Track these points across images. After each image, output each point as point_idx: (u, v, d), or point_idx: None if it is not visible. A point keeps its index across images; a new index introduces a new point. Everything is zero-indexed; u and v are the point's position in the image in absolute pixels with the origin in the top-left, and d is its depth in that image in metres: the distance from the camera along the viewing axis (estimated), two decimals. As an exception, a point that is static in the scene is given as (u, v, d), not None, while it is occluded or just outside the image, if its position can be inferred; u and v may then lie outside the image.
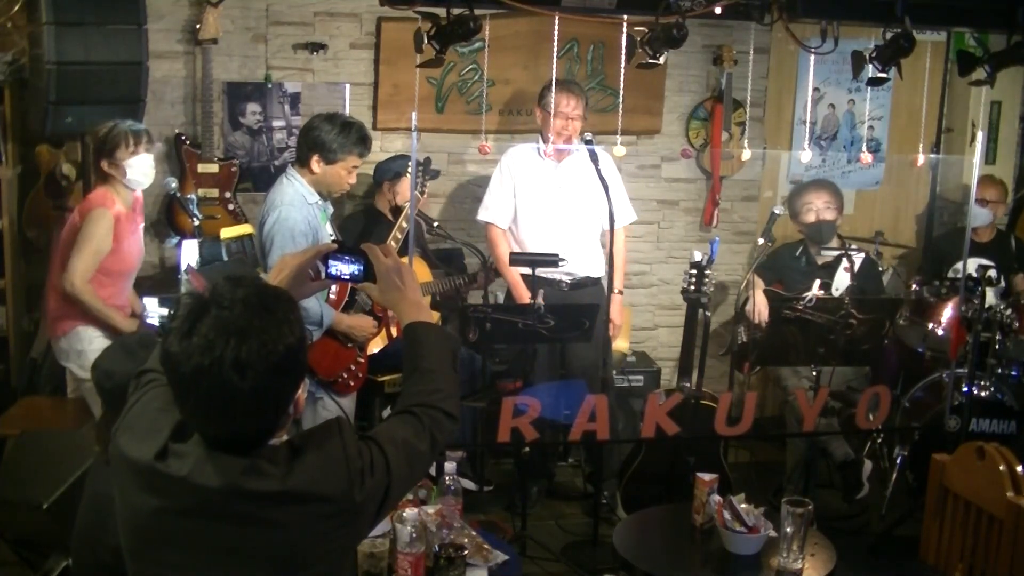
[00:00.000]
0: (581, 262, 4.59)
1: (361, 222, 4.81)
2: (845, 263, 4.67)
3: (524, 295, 4.47)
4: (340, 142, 3.98)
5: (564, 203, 4.59)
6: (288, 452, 1.74)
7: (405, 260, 3.81)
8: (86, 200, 3.94)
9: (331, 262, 2.09)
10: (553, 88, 4.30)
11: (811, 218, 4.86)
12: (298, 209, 3.93)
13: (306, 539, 1.73)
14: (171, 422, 1.76)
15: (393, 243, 4.29)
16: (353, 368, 4.17)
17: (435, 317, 4.37)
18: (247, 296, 1.70)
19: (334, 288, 4.10)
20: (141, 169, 3.97)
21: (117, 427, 1.86)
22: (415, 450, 1.89)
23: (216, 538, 1.72)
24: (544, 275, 4.53)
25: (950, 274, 4.96)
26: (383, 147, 5.09)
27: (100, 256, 3.87)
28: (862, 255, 4.81)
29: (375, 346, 4.38)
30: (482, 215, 4.71)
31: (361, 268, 2.07)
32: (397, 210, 4.60)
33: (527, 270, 4.28)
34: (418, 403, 1.96)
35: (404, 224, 4.30)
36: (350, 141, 4.00)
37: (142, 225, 4.16)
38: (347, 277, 2.09)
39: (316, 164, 3.99)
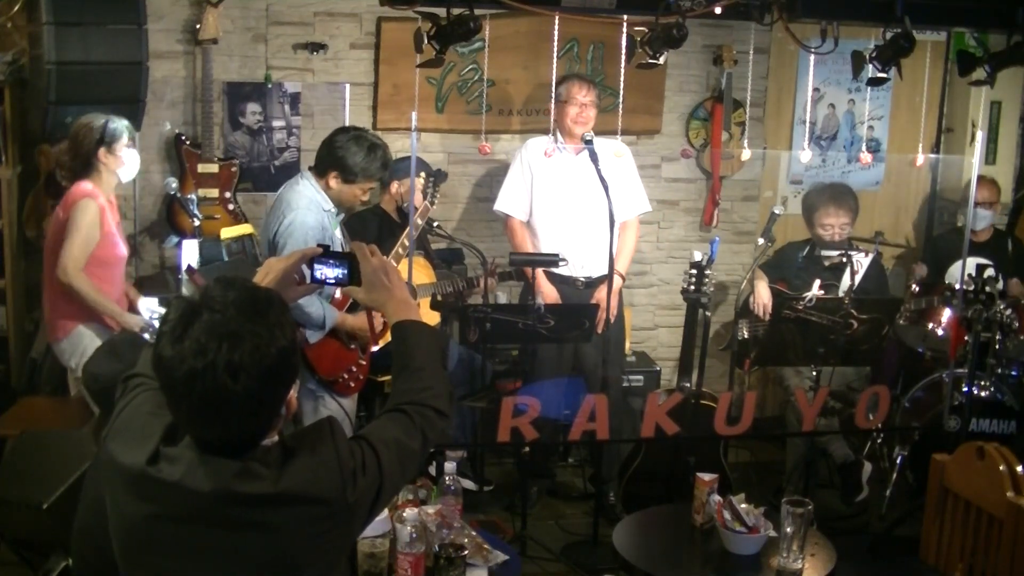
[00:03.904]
0: (596, 259, 4.54)
1: (366, 222, 4.80)
2: (853, 265, 4.65)
3: (547, 293, 4.49)
4: (363, 167, 3.93)
5: (580, 198, 4.53)
6: (280, 454, 1.74)
7: (404, 262, 3.83)
8: (68, 194, 3.91)
9: (316, 266, 2.08)
10: (555, 81, 4.30)
11: (826, 235, 4.85)
12: (314, 214, 3.90)
13: (300, 541, 1.73)
14: (162, 426, 1.75)
15: (401, 250, 4.27)
16: (354, 369, 4.16)
17: (435, 318, 4.37)
18: (238, 299, 1.69)
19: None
20: (133, 163, 4.03)
21: (106, 433, 1.84)
22: (406, 449, 1.89)
23: (210, 542, 1.71)
24: (559, 273, 4.53)
25: (947, 278, 4.96)
26: (383, 147, 5.09)
27: (90, 245, 3.86)
28: (870, 257, 4.79)
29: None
30: (499, 206, 4.69)
31: (346, 272, 2.06)
32: (402, 211, 4.59)
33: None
34: (408, 401, 1.96)
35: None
36: (373, 167, 3.96)
37: (120, 223, 4.15)
38: (332, 281, 2.08)
39: (333, 180, 3.95)
